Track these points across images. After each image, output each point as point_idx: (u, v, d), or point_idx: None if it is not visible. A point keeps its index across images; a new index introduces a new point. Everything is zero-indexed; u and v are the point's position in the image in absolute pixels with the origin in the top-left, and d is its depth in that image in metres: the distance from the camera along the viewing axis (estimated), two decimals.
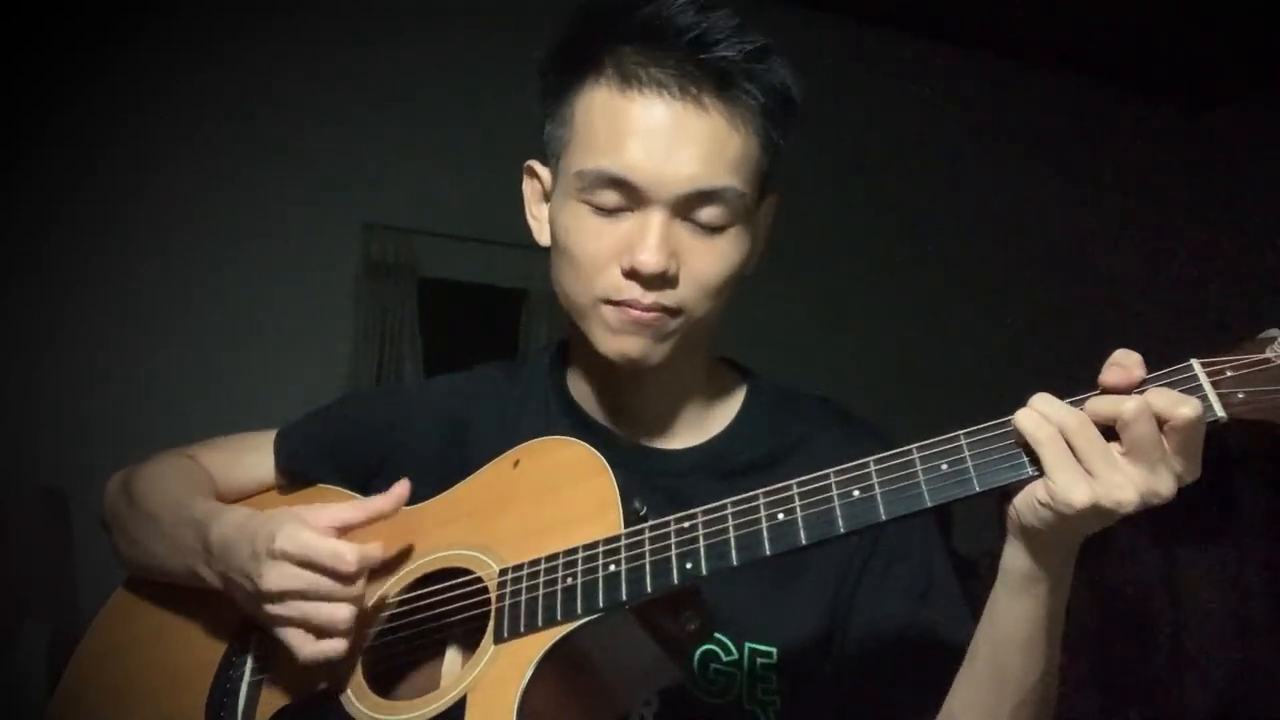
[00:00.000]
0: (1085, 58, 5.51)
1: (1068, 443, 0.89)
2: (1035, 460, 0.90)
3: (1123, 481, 0.88)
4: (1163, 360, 0.91)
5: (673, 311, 1.11)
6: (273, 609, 1.10)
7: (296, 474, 1.33)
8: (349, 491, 1.26)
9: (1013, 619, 0.99)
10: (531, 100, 1.21)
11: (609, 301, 1.11)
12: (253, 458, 1.35)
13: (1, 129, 3.70)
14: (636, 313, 1.10)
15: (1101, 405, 0.89)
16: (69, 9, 3.82)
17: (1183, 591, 5.24)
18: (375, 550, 1.11)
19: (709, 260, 1.12)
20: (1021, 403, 0.95)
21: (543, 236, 1.22)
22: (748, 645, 1.16)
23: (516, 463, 1.15)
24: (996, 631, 1.01)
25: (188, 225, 4.07)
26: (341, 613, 1.08)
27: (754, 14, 1.13)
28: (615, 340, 1.12)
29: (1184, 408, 0.87)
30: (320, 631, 1.09)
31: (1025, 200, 5.57)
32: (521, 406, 1.28)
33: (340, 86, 4.31)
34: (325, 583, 1.08)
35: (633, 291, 1.10)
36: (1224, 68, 5.51)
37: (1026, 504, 0.93)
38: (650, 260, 1.08)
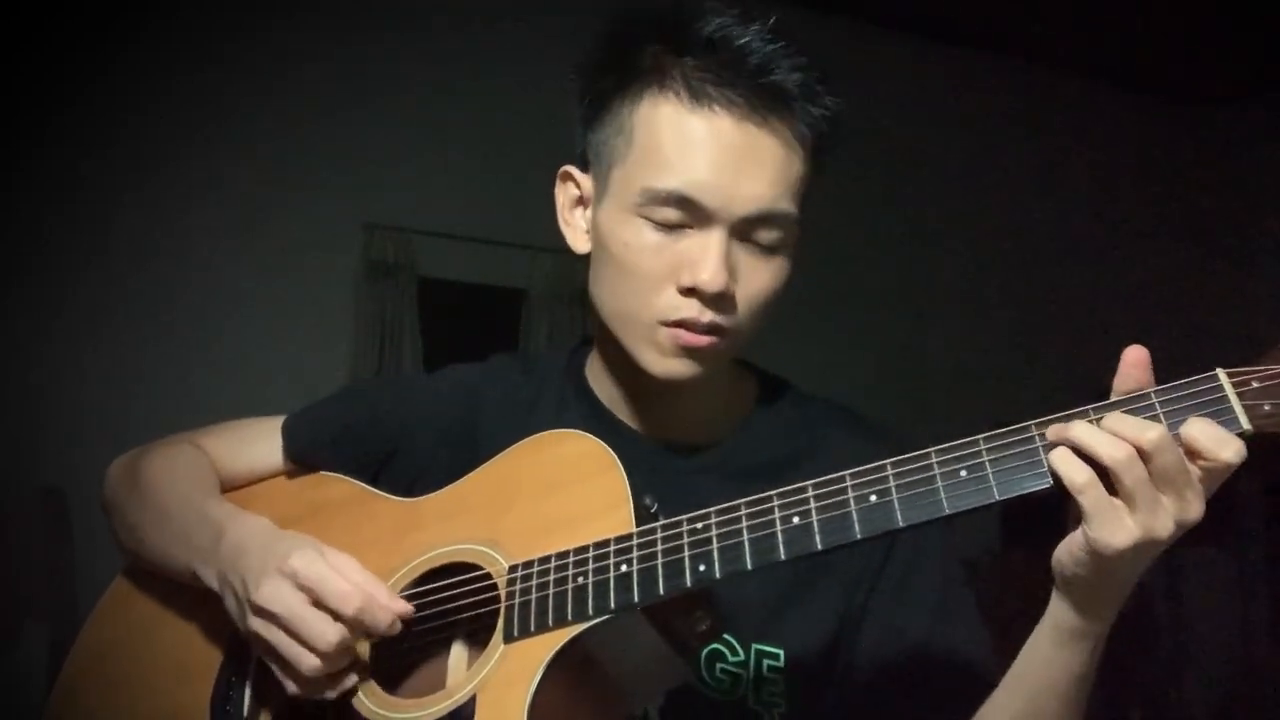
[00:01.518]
0: (1085, 58, 5.52)
1: (1114, 476, 0.86)
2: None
3: (1164, 520, 0.85)
4: (1173, 361, 0.90)
5: (724, 331, 1.11)
6: (255, 623, 1.09)
7: (306, 461, 1.31)
8: (357, 482, 1.26)
9: (1057, 671, 0.97)
10: (570, 103, 1.18)
11: (665, 323, 1.10)
12: (258, 445, 1.33)
13: (2, 128, 3.70)
14: (691, 337, 1.09)
15: (1124, 429, 0.86)
16: (69, 9, 3.82)
17: (1183, 591, 5.25)
18: (381, 616, 1.08)
19: (762, 280, 1.11)
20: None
21: (579, 244, 1.19)
22: (755, 647, 1.15)
23: (526, 455, 1.13)
24: (1037, 680, 0.99)
25: (188, 225, 4.07)
26: (308, 662, 1.06)
27: (755, 15, 1.12)
28: (664, 362, 1.12)
29: (1227, 452, 0.84)
30: (286, 664, 1.08)
31: (1025, 200, 5.57)
32: (537, 398, 1.27)
33: (340, 86, 4.31)
34: (311, 620, 1.06)
35: (690, 310, 1.09)
36: (1224, 68, 5.51)
37: (1068, 554, 0.91)
38: (713, 280, 1.07)
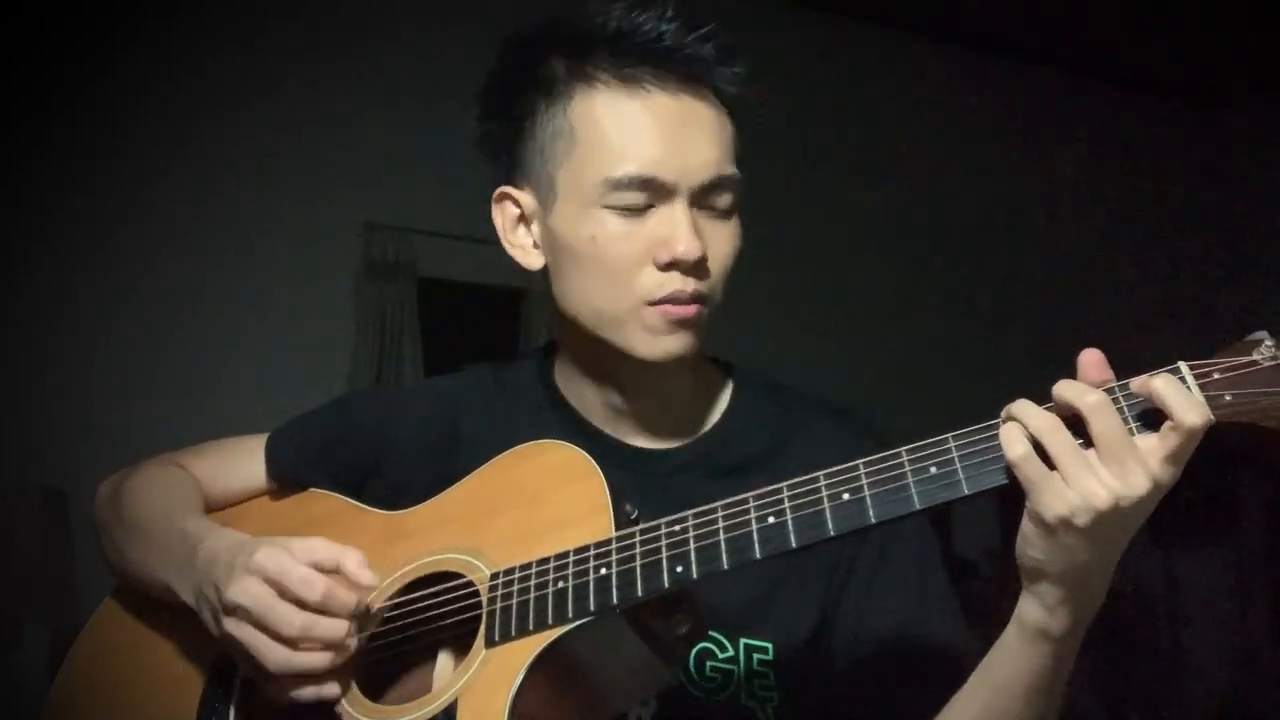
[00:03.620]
0: (1087, 57, 5.51)
1: (1043, 448, 0.89)
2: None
3: (1095, 486, 0.87)
4: (1151, 362, 0.91)
5: (705, 298, 1.13)
6: (227, 623, 1.10)
7: (289, 479, 1.32)
8: (342, 497, 1.26)
9: (1021, 668, 0.98)
10: (488, 130, 1.21)
11: (650, 303, 1.12)
12: (243, 464, 1.34)
13: (2, 128, 3.70)
14: (679, 310, 1.12)
15: (1064, 393, 0.89)
16: (69, 9, 3.83)
17: (1183, 591, 5.25)
18: (347, 598, 1.09)
19: (726, 243, 1.15)
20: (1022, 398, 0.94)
21: (531, 261, 1.22)
22: (743, 641, 1.16)
23: (508, 467, 1.14)
24: (1002, 675, 1.00)
25: (188, 225, 4.07)
26: (276, 654, 1.07)
27: (756, 14, 1.14)
28: (658, 342, 1.13)
29: (1191, 414, 0.85)
30: (255, 662, 1.09)
31: (1024, 200, 5.57)
32: (512, 408, 1.28)
33: (340, 86, 4.31)
34: (277, 609, 1.07)
35: (673, 284, 1.11)
36: (1225, 68, 5.51)
37: (1021, 538, 0.93)
38: (691, 248, 1.10)
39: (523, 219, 1.21)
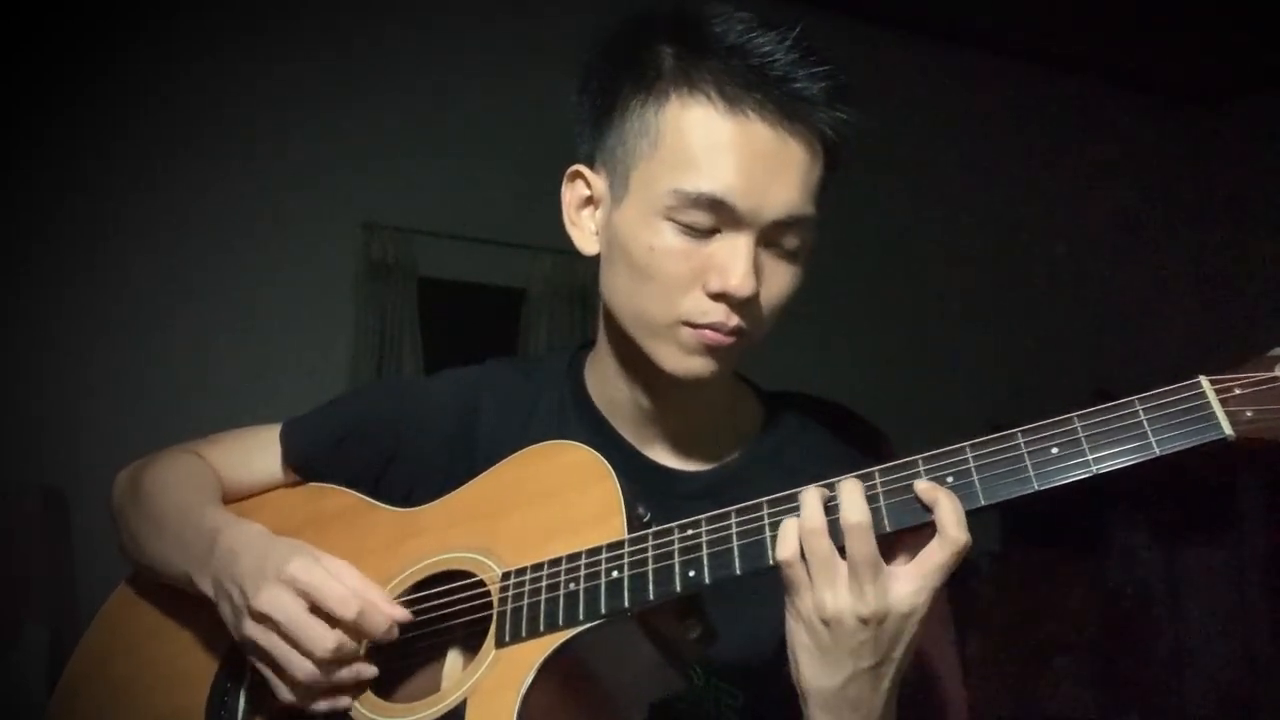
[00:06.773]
0: (1085, 58, 5.52)
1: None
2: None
3: (830, 597, 0.92)
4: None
5: (745, 333, 1.10)
6: (252, 630, 1.09)
7: (304, 471, 1.31)
8: (355, 493, 1.26)
9: None
10: (577, 102, 1.16)
11: (689, 324, 1.09)
12: (260, 455, 1.32)
13: (2, 128, 3.70)
14: (716, 337, 1.09)
15: (845, 500, 0.93)
16: (69, 8, 3.83)
17: (1183, 591, 5.25)
18: (381, 620, 1.09)
19: (782, 284, 1.11)
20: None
21: (587, 245, 1.18)
22: (715, 682, 1.15)
23: (522, 466, 1.13)
24: None
25: (188, 225, 4.07)
26: (304, 669, 1.07)
27: (773, 20, 1.11)
28: (686, 360, 1.11)
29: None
30: (281, 670, 1.08)
31: (1024, 200, 5.57)
32: (534, 407, 1.26)
33: (340, 86, 4.32)
34: (310, 626, 1.07)
35: (717, 314, 1.08)
36: (1225, 68, 5.51)
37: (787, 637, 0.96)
38: (744, 285, 1.06)
39: (590, 201, 1.17)
